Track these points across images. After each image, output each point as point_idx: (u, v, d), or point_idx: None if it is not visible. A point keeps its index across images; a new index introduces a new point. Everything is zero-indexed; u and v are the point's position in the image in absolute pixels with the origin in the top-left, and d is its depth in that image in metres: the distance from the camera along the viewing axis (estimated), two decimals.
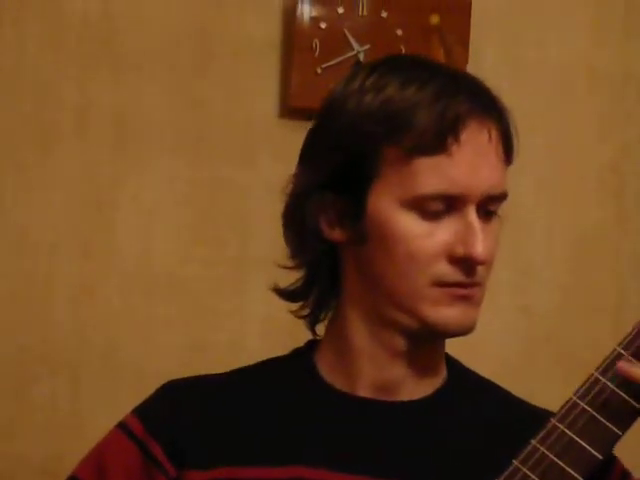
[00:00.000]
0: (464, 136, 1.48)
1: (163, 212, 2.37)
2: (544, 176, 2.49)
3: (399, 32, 2.36)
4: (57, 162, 2.34)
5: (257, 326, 2.26)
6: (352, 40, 2.34)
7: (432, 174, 1.51)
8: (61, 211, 2.35)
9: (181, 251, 2.37)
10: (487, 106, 1.50)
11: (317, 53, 2.32)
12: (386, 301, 1.58)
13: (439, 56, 2.39)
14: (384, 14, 2.36)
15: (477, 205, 1.50)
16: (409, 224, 1.54)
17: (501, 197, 1.52)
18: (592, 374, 1.43)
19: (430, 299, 1.54)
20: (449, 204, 1.51)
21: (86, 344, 2.34)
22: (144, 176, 2.36)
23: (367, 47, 2.34)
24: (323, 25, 2.33)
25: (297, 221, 1.61)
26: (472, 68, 2.33)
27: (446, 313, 1.54)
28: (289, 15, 2.36)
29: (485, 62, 2.41)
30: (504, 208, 2.22)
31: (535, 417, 1.49)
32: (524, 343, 2.42)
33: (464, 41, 2.39)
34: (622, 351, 1.42)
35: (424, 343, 1.58)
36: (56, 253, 2.34)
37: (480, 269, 1.51)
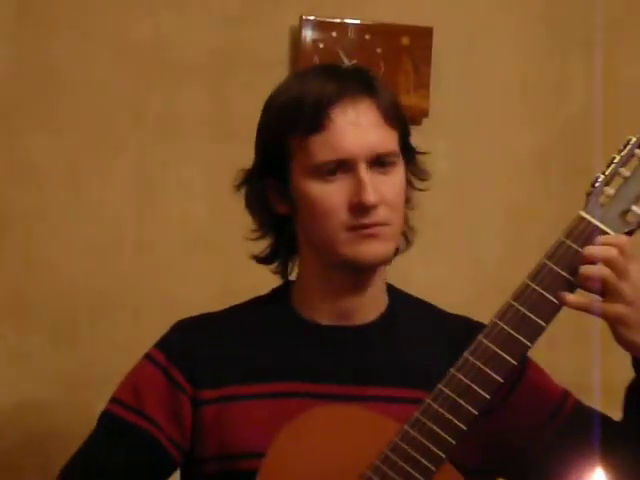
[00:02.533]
0: (335, 114, 1.70)
1: (199, 188, 2.50)
2: (492, 159, 2.61)
3: (378, 50, 2.51)
4: (122, 151, 2.48)
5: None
6: (343, 57, 2.48)
7: (320, 147, 1.70)
8: (126, 189, 2.48)
9: (213, 217, 2.50)
10: (357, 88, 1.73)
11: (317, 64, 2.43)
12: (321, 250, 1.75)
13: (408, 69, 2.52)
14: (367, 37, 2.50)
15: (367, 163, 1.70)
16: (314, 189, 1.72)
17: (388, 153, 1.71)
18: (508, 301, 1.60)
19: (345, 242, 1.71)
20: (341, 167, 1.70)
21: (145, 289, 2.47)
22: (185, 160, 2.50)
23: (354, 62, 2.43)
24: (321, 45, 2.47)
25: (253, 201, 1.83)
26: (434, 78, 2.53)
27: (358, 249, 1.72)
28: (295, 38, 2.49)
29: (443, 74, 2.55)
30: (465, 183, 2.34)
31: (470, 329, 1.67)
32: (474, 290, 2.54)
33: (427, 57, 2.53)
34: (529, 282, 1.61)
35: (360, 276, 1.77)
36: (122, 220, 2.48)
37: (381, 210, 1.70)
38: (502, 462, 1.77)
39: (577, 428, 1.74)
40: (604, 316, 1.59)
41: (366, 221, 1.70)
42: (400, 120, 1.77)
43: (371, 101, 1.73)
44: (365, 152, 1.70)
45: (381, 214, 1.70)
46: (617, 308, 1.58)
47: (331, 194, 1.71)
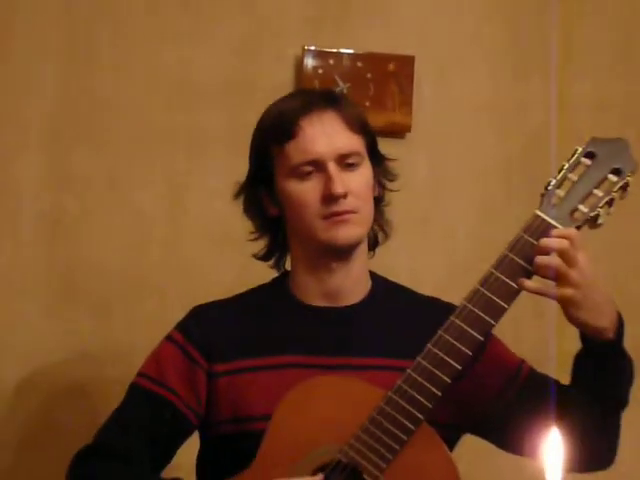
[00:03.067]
0: (305, 123, 1.75)
1: (219, 193, 2.37)
2: (464, 167, 2.57)
3: (369, 75, 2.47)
4: (154, 162, 2.47)
5: None
6: (339, 80, 2.46)
7: (294, 152, 1.75)
8: (157, 193, 2.47)
9: (230, 217, 2.21)
10: (323, 102, 1.78)
11: (317, 87, 2.42)
12: (305, 239, 1.79)
13: (394, 90, 2.48)
14: (359, 64, 2.47)
15: (335, 161, 1.74)
16: (293, 187, 1.77)
17: (352, 153, 1.76)
18: (475, 287, 1.63)
19: (321, 228, 1.75)
20: (314, 167, 1.75)
21: (171, 277, 2.45)
22: (207, 169, 2.47)
23: (348, 85, 2.45)
24: (320, 71, 2.45)
25: (249, 207, 1.86)
26: (415, 99, 2.49)
27: (333, 234, 1.76)
28: (298, 65, 2.46)
29: (424, 95, 2.51)
30: (442, 187, 2.42)
31: (441, 309, 1.72)
32: (449, 276, 2.48)
33: (410, 81, 2.49)
34: (493, 270, 1.63)
35: (340, 257, 1.79)
36: (153, 220, 2.46)
37: (349, 200, 1.74)
38: (470, 420, 1.81)
39: (532, 391, 1.77)
40: (557, 298, 1.62)
41: (337, 209, 1.75)
42: (364, 128, 1.81)
43: (335, 112, 1.78)
44: (332, 153, 1.75)
45: (350, 203, 1.75)
46: (567, 291, 1.61)
47: (307, 190, 1.76)
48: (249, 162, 1.86)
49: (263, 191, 1.83)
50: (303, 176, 1.77)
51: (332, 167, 1.75)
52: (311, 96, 1.83)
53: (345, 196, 1.74)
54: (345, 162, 1.76)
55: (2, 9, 2.39)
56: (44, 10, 2.42)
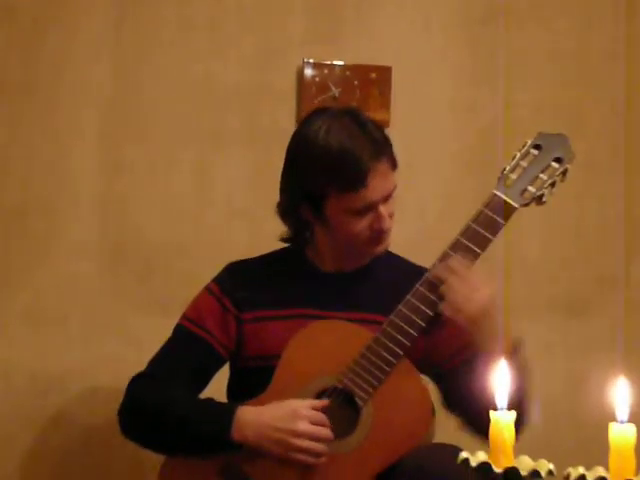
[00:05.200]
0: (371, 174, 1.66)
1: (237, 179, 2.44)
2: (432, 157, 2.53)
3: (355, 82, 2.45)
4: (185, 155, 2.43)
5: None
6: (332, 86, 2.44)
7: (355, 200, 1.67)
8: (188, 179, 2.42)
9: (247, 198, 2.43)
10: (382, 149, 1.68)
11: (314, 93, 2.42)
12: (342, 243, 1.76)
13: (375, 94, 2.46)
14: (348, 73, 2.45)
15: (383, 201, 1.70)
16: (349, 222, 1.71)
17: (394, 189, 1.71)
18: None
19: (364, 244, 1.74)
20: (369, 208, 1.70)
21: (202, 243, 2.42)
22: (227, 160, 2.44)
23: (339, 90, 2.43)
24: (317, 79, 2.43)
25: (286, 214, 1.80)
26: (393, 101, 2.46)
27: (373, 249, 1.76)
28: (299, 74, 2.44)
29: (399, 98, 2.48)
30: (414, 173, 2.40)
31: (420, 271, 1.72)
32: (421, 244, 2.30)
33: (388, 86, 2.47)
34: (460, 237, 1.65)
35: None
36: (185, 200, 2.43)
37: (388, 222, 1.72)
38: (429, 366, 1.79)
39: (469, 369, 1.66)
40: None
41: (381, 233, 1.74)
42: (396, 162, 1.74)
43: (387, 159, 1.71)
44: (383, 197, 1.71)
45: (389, 224, 1.74)
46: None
47: (361, 225, 1.72)
48: (294, 180, 1.74)
49: (305, 205, 1.75)
50: (358, 214, 1.70)
51: (382, 208, 1.70)
52: (374, 141, 1.68)
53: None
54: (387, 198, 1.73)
55: (63, 24, 2.37)
56: (101, 26, 2.39)
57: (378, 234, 1.72)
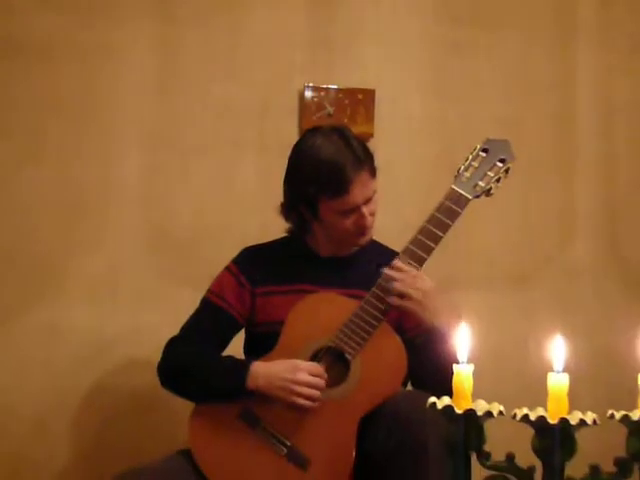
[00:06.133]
0: (354, 184, 1.66)
1: (250, 176, 2.40)
2: (407, 161, 2.49)
3: (346, 102, 2.44)
4: (208, 156, 2.38)
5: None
6: (327, 105, 2.42)
7: (341, 204, 1.68)
8: (212, 176, 2.39)
9: (258, 190, 2.38)
10: (364, 161, 1.68)
11: (313, 111, 2.41)
12: (334, 236, 1.76)
13: (362, 111, 2.41)
14: (340, 95, 2.43)
15: (365, 203, 1.70)
16: (336, 219, 1.71)
17: (374, 194, 1.71)
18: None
19: (351, 238, 1.74)
20: (354, 210, 1.70)
21: (224, 227, 2.37)
22: (242, 162, 2.42)
23: (333, 108, 2.42)
24: (315, 100, 2.42)
25: (289, 213, 1.78)
26: (376, 116, 2.43)
27: (358, 241, 1.76)
28: (300, 96, 2.43)
29: (381, 114, 2.45)
30: (393, 175, 2.37)
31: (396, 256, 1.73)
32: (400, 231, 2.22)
33: (372, 104, 2.44)
34: (426, 224, 1.64)
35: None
36: (210, 192, 2.38)
37: (370, 220, 1.72)
38: (400, 331, 1.74)
39: (426, 348, 1.65)
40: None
41: (364, 230, 1.75)
42: (375, 169, 1.73)
43: (368, 168, 1.71)
44: (365, 200, 1.72)
45: (370, 222, 1.75)
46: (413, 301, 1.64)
47: (347, 223, 1.73)
48: (291, 188, 1.74)
49: (302, 206, 1.76)
50: (344, 214, 1.72)
51: (364, 209, 1.72)
52: (356, 154, 1.67)
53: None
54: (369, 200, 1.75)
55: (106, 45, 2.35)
56: (141, 41, 2.36)
57: (362, 229, 1.75)
